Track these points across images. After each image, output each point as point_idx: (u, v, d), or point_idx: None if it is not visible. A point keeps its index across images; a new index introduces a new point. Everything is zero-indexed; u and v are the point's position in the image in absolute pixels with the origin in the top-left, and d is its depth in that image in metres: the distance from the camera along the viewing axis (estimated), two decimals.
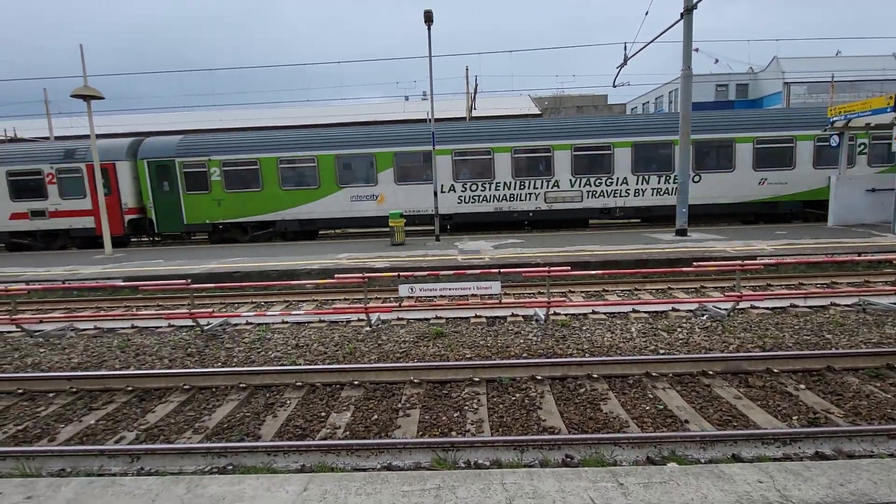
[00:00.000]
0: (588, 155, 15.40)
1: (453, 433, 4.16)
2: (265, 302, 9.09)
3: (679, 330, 6.46)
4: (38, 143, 17.55)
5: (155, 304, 9.30)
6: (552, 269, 7.15)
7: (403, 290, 7.01)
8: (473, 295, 8.37)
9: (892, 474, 2.40)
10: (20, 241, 16.55)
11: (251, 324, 7.49)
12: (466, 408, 4.59)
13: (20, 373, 5.92)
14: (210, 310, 7.65)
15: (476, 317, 7.30)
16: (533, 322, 6.99)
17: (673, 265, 9.45)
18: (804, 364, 5.17)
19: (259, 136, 16.72)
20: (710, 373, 5.09)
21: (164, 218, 16.12)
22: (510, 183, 15.57)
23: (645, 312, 7.21)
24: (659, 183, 15.36)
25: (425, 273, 7.82)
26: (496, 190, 15.66)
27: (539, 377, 5.11)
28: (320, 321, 7.43)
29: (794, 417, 4.24)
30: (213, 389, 5.24)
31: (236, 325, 7.43)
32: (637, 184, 15.38)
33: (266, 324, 7.42)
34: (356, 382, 5.16)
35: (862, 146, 15.19)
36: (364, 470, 3.71)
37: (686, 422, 4.19)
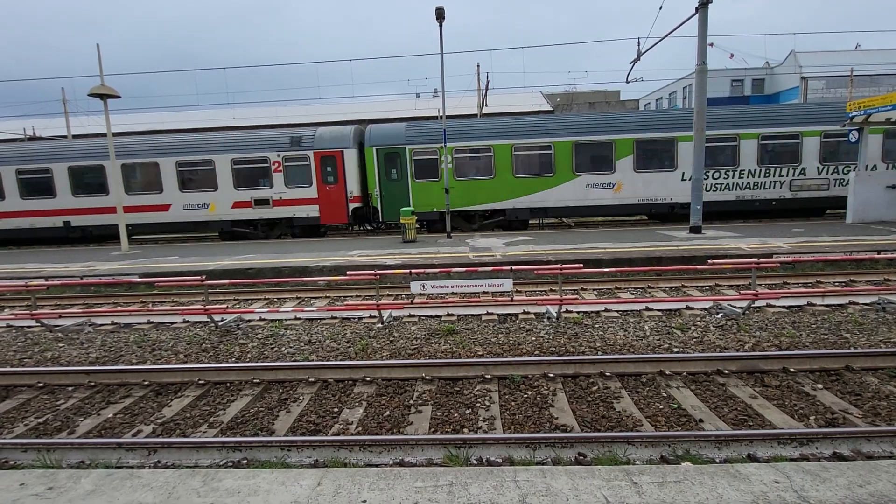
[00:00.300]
0: (837, 142, 14.99)
1: (465, 430, 4.17)
2: (278, 298, 9.17)
3: (693, 328, 6.39)
4: (263, 131, 17.28)
5: (170, 299, 9.44)
6: (564, 266, 7.11)
7: (415, 287, 7.02)
8: (485, 292, 8.37)
9: None
10: (241, 229, 16.45)
11: (264, 320, 7.57)
12: (478, 405, 4.59)
13: (40, 367, 6.04)
14: (224, 306, 7.73)
15: (487, 314, 7.29)
16: (545, 319, 6.96)
17: (687, 263, 9.35)
18: (821, 363, 5.09)
19: (493, 122, 16.52)
20: (725, 372, 5.03)
21: (390, 206, 15.92)
22: (755, 171, 15.21)
23: (658, 310, 7.15)
24: None
25: (437, 270, 7.81)
26: (740, 178, 15.29)
27: (551, 375, 5.09)
28: (332, 318, 7.48)
29: (811, 417, 4.18)
30: (228, 384, 5.30)
31: (250, 321, 7.51)
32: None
33: (279, 320, 7.48)
34: (368, 379, 5.19)
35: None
36: (377, 465, 3.73)
37: (700, 421, 4.15)
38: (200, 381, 5.32)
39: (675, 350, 5.71)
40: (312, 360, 5.82)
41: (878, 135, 14.72)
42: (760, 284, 8.43)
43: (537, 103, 32.78)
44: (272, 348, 6.33)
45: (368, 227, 17.79)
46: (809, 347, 5.62)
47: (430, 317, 7.31)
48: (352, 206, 16.01)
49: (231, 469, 2.75)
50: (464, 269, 7.76)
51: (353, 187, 15.93)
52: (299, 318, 7.51)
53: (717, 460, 3.63)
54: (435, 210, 15.61)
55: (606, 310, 7.26)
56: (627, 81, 17.47)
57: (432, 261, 10.26)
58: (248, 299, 9.21)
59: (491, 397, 4.72)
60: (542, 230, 15.95)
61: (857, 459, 3.55)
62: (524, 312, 7.30)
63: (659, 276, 9.33)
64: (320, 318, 7.47)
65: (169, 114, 35.73)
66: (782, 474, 2.42)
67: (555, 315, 6.89)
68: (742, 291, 6.97)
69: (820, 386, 4.74)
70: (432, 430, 4.19)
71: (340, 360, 5.82)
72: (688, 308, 7.18)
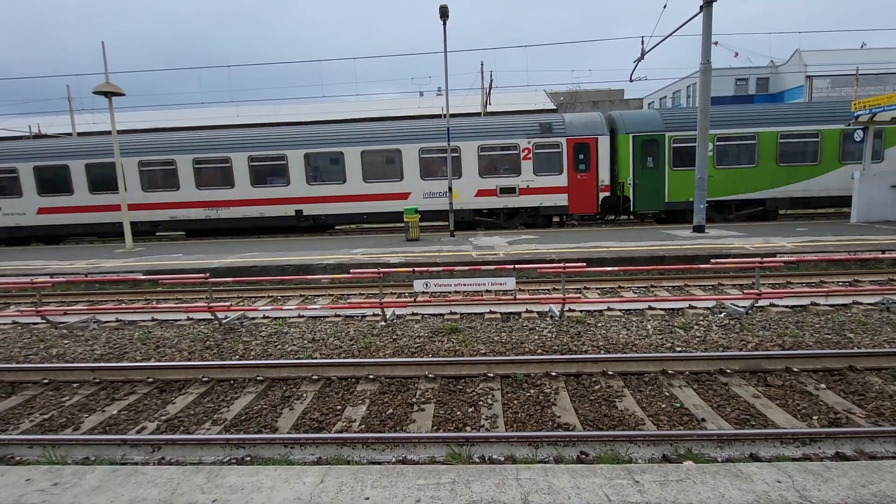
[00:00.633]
0: None
1: (468, 428, 4.18)
2: (282, 296, 9.20)
3: (696, 327, 6.38)
4: (510, 117, 16.72)
5: (174, 297, 9.48)
6: (567, 265, 7.11)
7: (418, 285, 7.03)
8: (488, 291, 8.38)
9: None
10: (484, 219, 16.07)
11: (268, 317, 7.59)
12: (481, 403, 4.60)
13: (45, 363, 6.09)
14: (228, 303, 7.77)
15: (490, 313, 7.29)
16: (548, 318, 6.96)
17: (690, 262, 9.33)
18: (825, 363, 5.07)
19: (757, 108, 16.06)
20: (728, 371, 5.02)
21: (643, 196, 15.41)
22: None
23: (661, 309, 7.14)
24: None
25: (440, 269, 7.82)
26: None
27: (554, 373, 5.10)
28: (336, 315, 7.50)
29: (814, 417, 4.17)
30: (232, 382, 5.33)
31: (253, 318, 7.54)
32: None
33: (283, 318, 7.51)
34: (371, 376, 5.21)
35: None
36: (379, 463, 3.75)
37: (703, 420, 4.15)
38: (204, 379, 5.34)
39: (678, 349, 5.71)
40: (316, 358, 5.84)
41: None
42: (764, 284, 8.40)
43: (541, 102, 32.71)
44: (276, 346, 6.35)
45: (613, 218, 17.29)
46: (813, 347, 5.61)
47: (434, 315, 7.32)
48: (601, 195, 15.55)
49: (234, 466, 2.77)
50: (467, 268, 7.76)
51: (605, 175, 15.43)
52: (303, 316, 7.53)
53: (720, 459, 3.63)
54: (690, 200, 14.38)
55: (609, 309, 7.26)
56: (631, 80, 17.40)
57: (435, 259, 10.26)
58: (251, 297, 9.24)
59: (493, 396, 4.73)
60: (545, 228, 15.93)
61: (860, 459, 3.55)
62: (527, 311, 7.30)
63: (662, 276, 9.31)
64: (324, 316, 7.49)
65: (174, 111, 35.82)
66: (784, 474, 2.41)
67: (558, 314, 6.89)
68: (745, 291, 6.95)
69: (823, 386, 4.73)
70: (435, 428, 4.21)
71: (344, 357, 5.84)
72: (691, 307, 7.17)
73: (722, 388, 4.76)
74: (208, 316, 7.55)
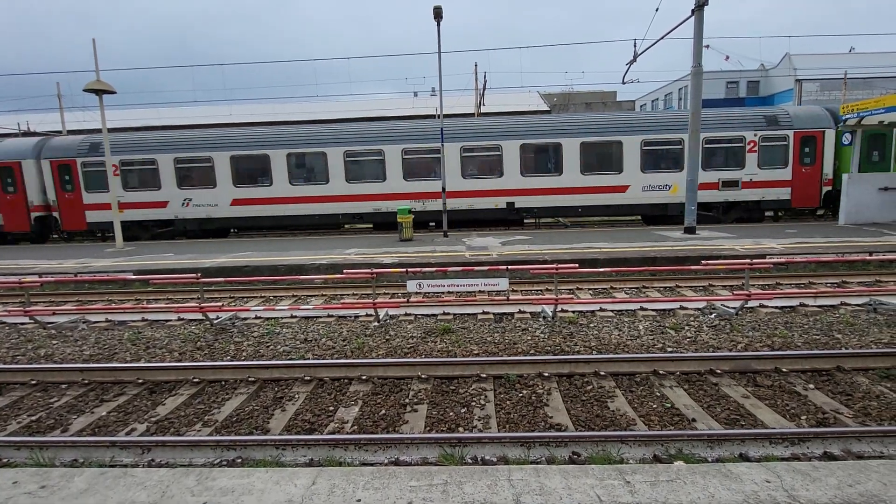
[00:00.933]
0: None
1: (460, 429, 4.18)
2: (274, 296, 9.15)
3: (687, 328, 6.43)
4: (736, 109, 16.39)
5: (165, 297, 9.40)
6: (560, 266, 7.14)
7: (411, 285, 7.03)
8: (481, 291, 8.38)
9: None
10: (704, 212, 15.53)
11: (260, 318, 7.55)
12: (473, 404, 4.61)
13: (33, 364, 6.01)
14: (219, 304, 7.71)
15: (483, 313, 7.30)
16: (540, 319, 6.99)
17: (681, 263, 9.40)
18: (813, 364, 5.13)
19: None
20: (718, 371, 5.06)
21: None
22: None
23: (653, 310, 7.19)
24: None
25: (433, 269, 7.82)
26: None
27: (546, 374, 5.11)
28: (329, 316, 7.47)
29: (802, 417, 4.22)
30: (223, 383, 5.29)
31: (245, 318, 7.50)
32: None
33: (275, 318, 7.47)
34: (364, 377, 5.20)
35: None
36: (372, 464, 3.74)
37: (693, 420, 4.18)
38: (195, 380, 5.30)
39: (669, 350, 5.75)
40: (308, 359, 5.81)
41: None
42: (753, 285, 8.49)
43: (534, 103, 32.82)
44: (268, 346, 6.32)
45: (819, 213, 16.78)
46: (801, 348, 5.67)
47: (427, 316, 7.32)
48: (824, 189, 15.27)
49: (225, 468, 2.76)
50: (460, 269, 7.77)
51: (829, 169, 15.12)
52: (295, 317, 7.50)
53: (710, 459, 3.66)
54: None
55: (601, 309, 7.29)
56: (623, 82, 17.45)
57: (429, 260, 10.26)
58: (243, 297, 9.19)
59: (486, 396, 4.74)
60: (538, 229, 15.98)
61: (847, 459, 3.59)
62: (520, 312, 7.32)
63: (653, 277, 9.37)
64: (316, 317, 7.46)
65: (166, 109, 35.53)
66: (773, 474, 2.44)
67: (550, 314, 6.91)
68: (735, 292, 7.02)
69: (811, 386, 4.79)
70: (428, 429, 4.20)
71: (336, 358, 5.82)
72: (682, 308, 7.22)
73: (712, 389, 4.80)
74: (199, 316, 7.49)
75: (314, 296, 9.08)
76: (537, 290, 8.88)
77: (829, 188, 15.47)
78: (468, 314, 7.30)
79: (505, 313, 7.29)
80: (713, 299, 7.35)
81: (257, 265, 10.37)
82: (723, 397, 4.61)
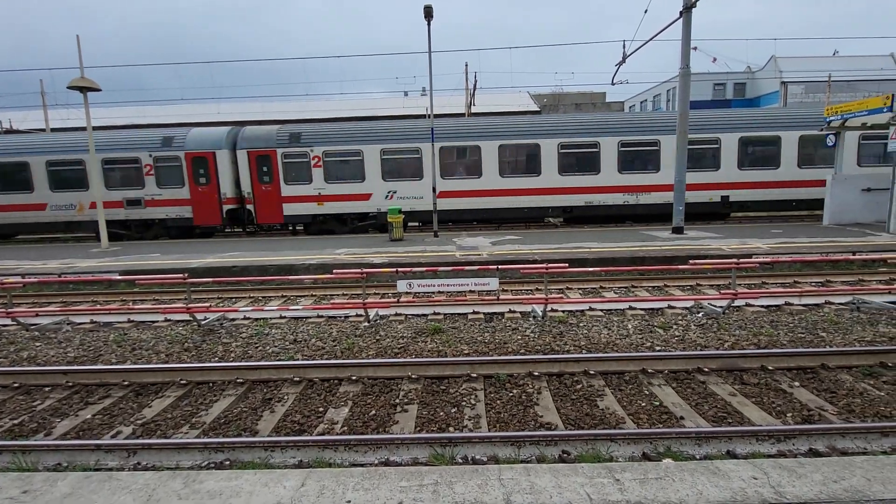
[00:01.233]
0: None
1: (451, 429, 4.18)
2: (263, 297, 9.07)
3: (675, 327, 6.49)
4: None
5: (152, 298, 9.28)
6: (550, 265, 7.16)
7: (401, 285, 7.01)
8: (471, 291, 8.39)
9: (885, 471, 2.42)
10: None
11: (249, 318, 7.49)
12: (464, 403, 4.60)
13: (16, 366, 5.90)
14: (207, 304, 7.62)
15: (474, 313, 7.31)
16: (530, 318, 7.01)
17: (669, 263, 9.48)
18: (798, 362, 5.21)
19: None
20: (706, 370, 5.12)
21: None
22: None
23: (641, 309, 7.24)
24: None
25: (423, 269, 7.82)
26: None
27: (536, 373, 5.13)
28: (318, 316, 7.43)
29: (788, 414, 4.27)
30: (211, 384, 5.23)
31: (234, 319, 7.42)
32: None
33: (264, 319, 7.41)
34: (354, 378, 5.17)
35: None
36: (362, 465, 3.72)
37: (681, 418, 4.21)
38: (182, 381, 5.24)
39: (658, 348, 5.80)
40: (298, 360, 5.77)
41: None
42: (740, 284, 8.58)
43: (524, 103, 32.91)
44: (256, 347, 6.26)
45: None
46: (787, 346, 5.75)
47: (417, 315, 7.31)
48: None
49: (213, 470, 2.72)
50: (450, 268, 7.77)
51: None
52: (284, 317, 7.44)
53: (698, 457, 3.70)
54: None
55: (591, 309, 7.34)
56: (613, 84, 17.59)
57: (419, 260, 10.24)
58: (232, 298, 9.10)
59: (476, 396, 4.74)
60: (528, 229, 16.03)
61: (832, 455, 3.65)
62: (510, 311, 7.33)
63: (642, 276, 9.45)
64: (306, 317, 7.41)
65: (153, 107, 35.05)
66: (760, 470, 2.47)
67: (540, 314, 6.94)
68: (722, 291, 7.09)
69: (797, 384, 4.85)
70: (418, 429, 4.19)
71: (326, 358, 5.78)
72: (670, 307, 7.29)
73: (700, 387, 4.84)
74: (187, 317, 7.40)
75: (304, 296, 9.02)
76: (527, 290, 8.90)
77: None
78: (458, 314, 7.30)
79: (495, 313, 7.30)
80: (701, 298, 7.42)
81: (246, 265, 10.28)
82: (710, 395, 4.66)
